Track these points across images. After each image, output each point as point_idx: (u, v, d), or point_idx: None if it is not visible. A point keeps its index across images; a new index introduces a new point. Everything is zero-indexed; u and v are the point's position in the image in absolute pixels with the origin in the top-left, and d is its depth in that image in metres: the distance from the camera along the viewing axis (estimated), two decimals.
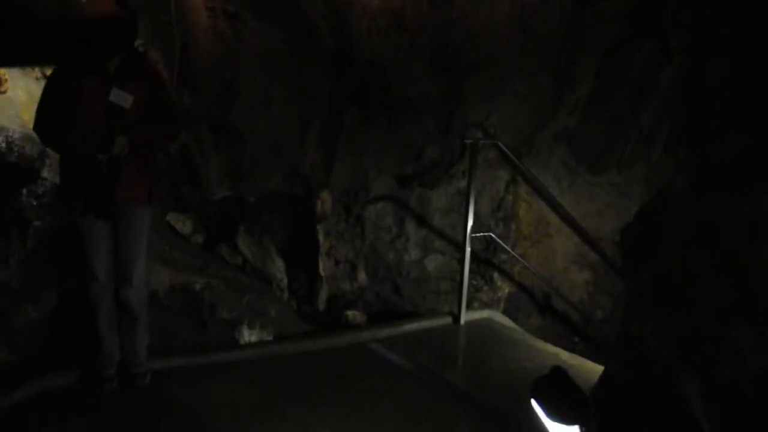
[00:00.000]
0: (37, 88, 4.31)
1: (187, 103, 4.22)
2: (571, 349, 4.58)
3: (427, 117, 4.28)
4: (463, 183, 4.63)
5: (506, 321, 4.72)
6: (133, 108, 2.98)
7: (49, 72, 3.96)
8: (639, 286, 2.42)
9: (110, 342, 3.30)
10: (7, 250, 3.61)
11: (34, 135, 3.22)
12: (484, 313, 4.71)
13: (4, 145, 3.77)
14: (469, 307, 4.55)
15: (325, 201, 4.44)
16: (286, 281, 4.60)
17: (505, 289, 5.04)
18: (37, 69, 4.66)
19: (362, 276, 4.73)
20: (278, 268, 4.57)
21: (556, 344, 4.37)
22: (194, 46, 4.11)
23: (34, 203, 3.77)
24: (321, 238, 4.55)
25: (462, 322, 4.45)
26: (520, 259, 4.77)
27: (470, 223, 4.32)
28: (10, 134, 3.85)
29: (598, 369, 3.33)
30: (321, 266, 4.57)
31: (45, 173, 3.92)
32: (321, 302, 4.61)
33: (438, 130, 4.35)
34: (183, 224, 4.60)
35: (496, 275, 4.98)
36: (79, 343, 3.46)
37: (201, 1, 3.99)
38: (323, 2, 3.86)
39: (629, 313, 2.54)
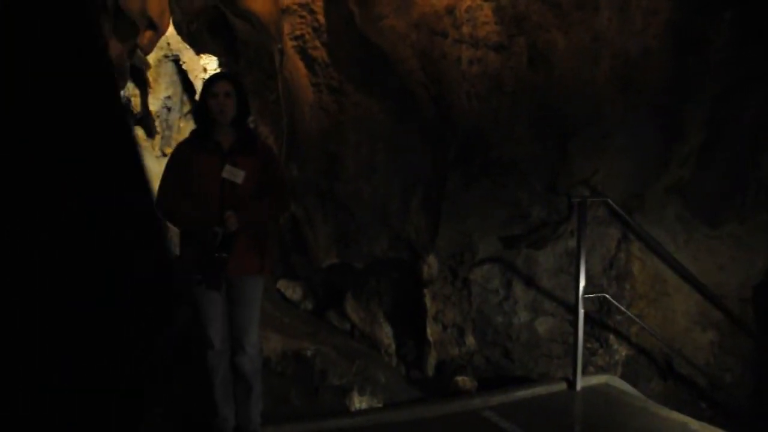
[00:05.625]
0: (157, 166, 4.64)
1: (295, 175, 4.39)
2: (699, 417, 4.26)
3: (532, 177, 4.24)
4: (571, 242, 4.51)
5: (625, 386, 4.46)
6: (245, 184, 3.12)
7: (168, 150, 4.23)
8: None
9: (225, 408, 3.38)
10: None
11: (156, 210, 3.42)
12: (602, 378, 4.47)
13: None
14: (584, 371, 4.35)
15: (431, 265, 4.44)
16: (394, 347, 4.59)
17: (622, 352, 4.79)
18: (156, 148, 5.02)
19: (470, 340, 4.65)
20: (386, 334, 4.57)
21: (681, 411, 4.07)
22: (300, 121, 4.30)
23: None
24: (428, 302, 4.53)
25: (578, 387, 4.25)
26: (636, 319, 4.54)
27: (582, 283, 4.17)
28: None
29: None
30: (429, 331, 4.53)
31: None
32: (430, 368, 4.55)
33: (543, 189, 4.29)
34: (293, 291, 4.72)
35: (611, 337, 4.76)
36: (196, 409, 3.57)
37: (306, 78, 4.20)
38: (423, 72, 3.96)
39: (766, 381, 2.34)
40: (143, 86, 5.21)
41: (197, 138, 3.22)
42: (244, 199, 3.12)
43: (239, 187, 3.11)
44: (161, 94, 5.42)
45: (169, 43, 5.33)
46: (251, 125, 4.13)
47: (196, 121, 3.41)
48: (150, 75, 5.26)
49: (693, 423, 3.81)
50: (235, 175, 3.11)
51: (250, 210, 3.13)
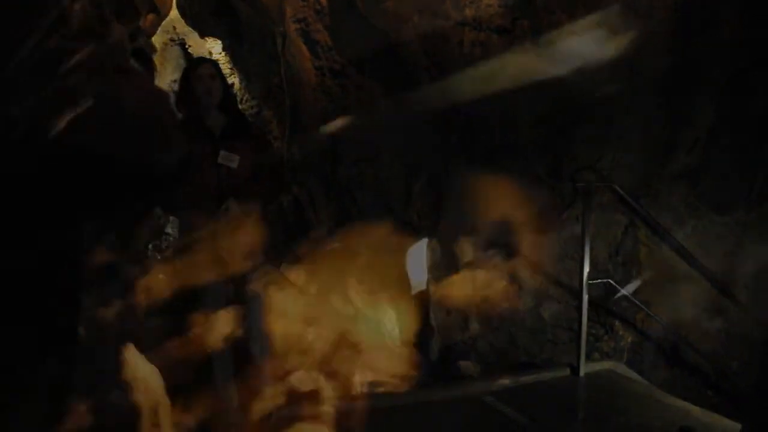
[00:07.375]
0: None
1: (298, 158, 4.39)
2: (705, 404, 4.22)
3: (535, 162, 4.20)
4: (577, 228, 4.47)
5: (630, 373, 4.43)
6: (241, 167, 3.13)
7: None
8: None
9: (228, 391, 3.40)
10: None
11: None
12: (606, 365, 4.45)
13: None
14: (588, 357, 4.32)
15: (433, 250, 4.42)
16: (397, 331, 4.58)
17: (627, 338, 4.76)
18: None
19: (474, 325, 4.64)
20: (389, 318, 4.57)
21: (686, 399, 4.04)
22: (303, 104, 4.29)
23: (159, 257, 4.02)
24: (431, 287, 4.52)
25: (581, 373, 4.23)
26: (642, 306, 4.50)
27: (586, 269, 4.14)
28: None
29: (734, 427, 3.06)
30: (432, 316, 4.52)
31: (168, 229, 4.19)
32: (433, 352, 4.54)
33: (547, 174, 4.25)
34: (295, 275, 4.72)
35: (617, 324, 4.72)
36: None
37: (309, 61, 4.18)
38: (425, 55, 3.93)
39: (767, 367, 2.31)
40: (149, 70, 5.21)
41: (188, 126, 3.21)
42: (241, 183, 3.12)
43: (235, 171, 3.12)
44: (168, 78, 5.44)
45: (175, 27, 5.33)
46: (254, 109, 4.13)
47: (185, 108, 3.29)
48: (156, 59, 5.26)
49: (695, 410, 3.79)
50: (230, 159, 3.13)
51: (248, 192, 3.13)
